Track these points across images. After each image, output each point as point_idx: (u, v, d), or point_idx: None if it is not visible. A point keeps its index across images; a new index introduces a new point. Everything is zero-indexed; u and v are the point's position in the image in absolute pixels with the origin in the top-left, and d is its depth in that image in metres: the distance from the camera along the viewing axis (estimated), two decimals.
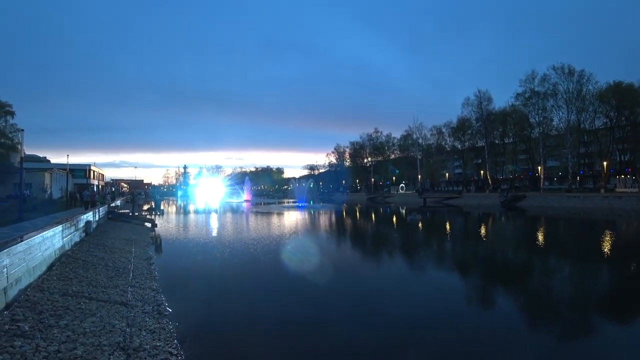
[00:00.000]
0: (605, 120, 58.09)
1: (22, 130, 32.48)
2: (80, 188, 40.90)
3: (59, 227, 11.36)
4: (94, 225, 18.66)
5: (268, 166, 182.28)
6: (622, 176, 54.33)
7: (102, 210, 24.49)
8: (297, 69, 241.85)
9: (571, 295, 10.80)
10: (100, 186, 69.49)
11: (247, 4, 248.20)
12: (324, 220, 37.14)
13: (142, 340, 6.07)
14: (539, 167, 62.33)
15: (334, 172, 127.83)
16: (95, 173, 71.22)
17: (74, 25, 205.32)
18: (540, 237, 23.80)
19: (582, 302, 10.02)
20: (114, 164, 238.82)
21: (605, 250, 17.88)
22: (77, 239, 14.34)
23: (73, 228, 13.70)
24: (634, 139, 55.51)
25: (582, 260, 16.07)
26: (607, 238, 21.65)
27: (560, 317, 8.91)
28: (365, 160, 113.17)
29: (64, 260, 10.66)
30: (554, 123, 61.76)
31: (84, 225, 16.09)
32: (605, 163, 55.20)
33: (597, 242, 20.54)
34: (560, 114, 59.52)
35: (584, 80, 56.55)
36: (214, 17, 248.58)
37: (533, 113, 62.40)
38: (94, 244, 14.74)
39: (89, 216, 17.77)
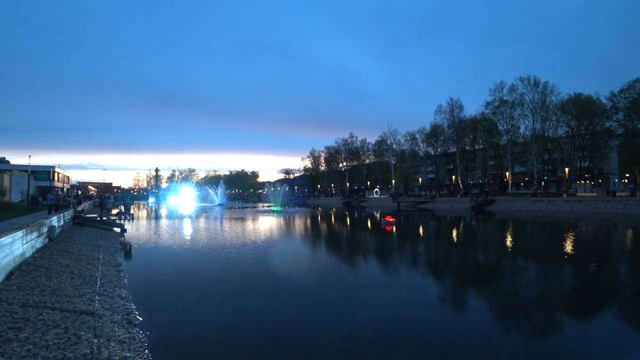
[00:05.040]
0: (566, 129, 61.42)
1: None
2: (43, 191, 38.88)
3: (19, 233, 10.72)
4: (58, 231, 17.73)
5: (243, 170, 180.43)
6: (582, 181, 57.56)
7: (68, 214, 23.33)
8: (274, 72, 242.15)
9: (539, 295, 11.24)
10: (65, 189, 66.26)
11: (223, 5, 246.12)
12: (299, 224, 37.01)
13: (111, 351, 5.79)
14: (507, 173, 65.03)
15: (309, 177, 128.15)
16: (61, 175, 67.89)
17: (40, 19, 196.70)
18: (509, 238, 24.71)
19: (549, 301, 10.44)
20: (80, 166, 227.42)
21: (569, 250, 18.77)
22: (39, 245, 13.57)
23: (35, 234, 12.96)
24: (593, 147, 59.00)
25: (548, 260, 16.79)
26: (570, 239, 22.83)
27: (529, 316, 9.25)
28: (341, 165, 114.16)
29: (24, 269, 10.05)
30: (521, 131, 64.88)
31: (47, 231, 15.26)
32: (567, 169, 58.50)
33: (561, 243, 21.54)
34: (527, 122, 62.72)
35: (548, 91, 60.01)
36: (189, 16, 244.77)
37: (501, 121, 65.30)
38: (58, 250, 13.98)
39: (52, 221, 16.88)
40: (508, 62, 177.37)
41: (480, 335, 7.73)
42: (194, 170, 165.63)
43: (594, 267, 15.40)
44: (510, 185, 64.68)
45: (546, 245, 22.68)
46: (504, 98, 62.77)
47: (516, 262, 16.68)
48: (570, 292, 11.60)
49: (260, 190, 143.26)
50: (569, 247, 20.25)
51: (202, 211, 58.29)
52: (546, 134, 61.84)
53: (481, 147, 74.96)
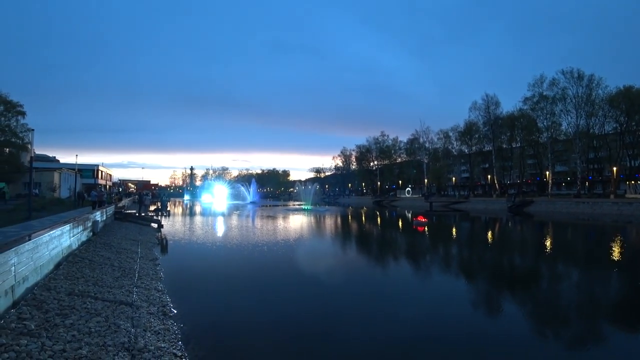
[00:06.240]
0: (615, 125, 57.23)
1: (33, 130, 33.06)
2: (88, 188, 41.32)
3: (67, 226, 11.44)
4: (101, 225, 18.77)
5: (274, 168, 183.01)
6: (633, 182, 53.44)
7: (110, 210, 24.66)
8: (305, 71, 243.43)
9: (580, 305, 10.60)
10: (108, 186, 70.10)
11: (254, 6, 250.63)
12: (330, 223, 37.05)
13: (147, 341, 6.06)
14: (547, 172, 61.64)
15: (340, 175, 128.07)
16: (103, 173, 71.90)
17: (84, 26, 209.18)
18: (550, 242, 23.48)
19: (591, 312, 9.82)
20: (121, 165, 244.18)
21: (615, 257, 17.55)
22: (84, 238, 14.43)
23: (80, 227, 13.80)
24: None
25: (591, 267, 15.80)
26: (618, 244, 21.29)
27: (569, 325, 8.75)
28: (372, 164, 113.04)
29: (71, 260, 10.72)
30: (563, 128, 61.12)
31: (91, 225, 16.20)
32: (615, 169, 54.37)
33: (609, 248, 20.15)
34: (569, 118, 58.79)
35: (594, 85, 55.90)
36: (222, 18, 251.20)
37: (541, 117, 61.70)
38: (100, 243, 14.82)
39: (96, 216, 17.90)
40: (546, 56, 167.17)
41: (517, 345, 7.40)
42: (227, 169, 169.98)
43: None
44: (550, 186, 61.28)
45: (592, 250, 21.34)
46: (544, 93, 59.25)
47: (557, 269, 15.81)
48: (618, 305, 10.85)
49: (291, 189, 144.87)
50: (616, 253, 18.92)
51: (235, 209, 59.69)
52: (591, 130, 57.89)
53: (519, 145, 71.50)
